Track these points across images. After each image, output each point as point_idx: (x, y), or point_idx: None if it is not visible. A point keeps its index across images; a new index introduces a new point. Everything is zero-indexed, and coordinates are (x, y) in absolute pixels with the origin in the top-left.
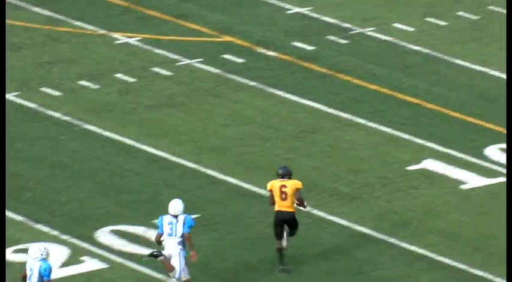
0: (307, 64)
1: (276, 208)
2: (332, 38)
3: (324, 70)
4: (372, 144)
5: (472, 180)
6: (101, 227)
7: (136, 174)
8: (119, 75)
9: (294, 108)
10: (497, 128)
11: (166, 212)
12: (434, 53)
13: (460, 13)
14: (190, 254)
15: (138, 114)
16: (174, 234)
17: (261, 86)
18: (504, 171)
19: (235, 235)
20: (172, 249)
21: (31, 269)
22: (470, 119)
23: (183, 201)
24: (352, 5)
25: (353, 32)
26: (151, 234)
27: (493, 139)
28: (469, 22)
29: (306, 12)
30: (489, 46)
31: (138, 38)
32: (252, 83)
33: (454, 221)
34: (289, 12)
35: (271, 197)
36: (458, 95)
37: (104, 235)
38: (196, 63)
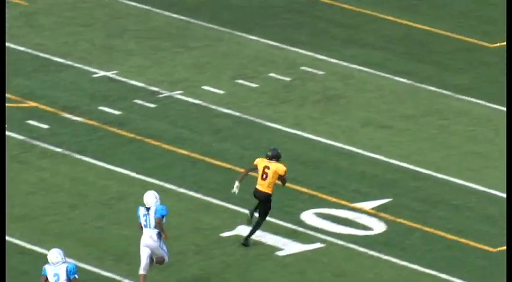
0: (114, 129)
1: (256, 185)
2: (140, 101)
3: (132, 135)
4: (183, 211)
5: (288, 246)
6: None
7: None
8: None
9: (102, 175)
10: (312, 192)
11: None
12: (245, 116)
13: (272, 74)
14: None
15: None
16: (148, 225)
17: (67, 152)
18: (321, 236)
19: None
20: (149, 241)
21: (56, 274)
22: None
23: None
24: (160, 68)
25: (161, 95)
26: None
27: (309, 204)
28: (281, 84)
29: (112, 76)
30: (303, 108)
31: None
32: (58, 150)
33: None
34: (95, 76)
35: (249, 168)
36: None
37: None
38: None
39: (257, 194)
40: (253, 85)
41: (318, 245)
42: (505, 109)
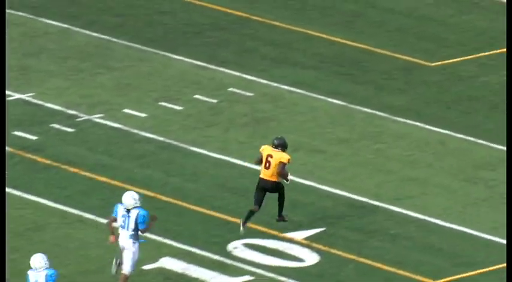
0: (29, 155)
1: (260, 174)
2: (57, 126)
3: (49, 162)
4: (103, 242)
5: (216, 280)
6: None
7: None
8: None
9: (17, 204)
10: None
11: None
12: (169, 141)
13: (197, 96)
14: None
15: None
16: (126, 227)
17: None
18: (250, 268)
19: None
20: (125, 242)
21: (36, 281)
22: (212, 213)
23: None
24: (78, 90)
25: (80, 119)
26: None
27: (237, 234)
28: (207, 106)
29: (27, 99)
30: (229, 132)
31: None
32: None
33: None
34: (10, 98)
35: (260, 158)
36: (197, 186)
37: None
38: None
39: (262, 183)
40: (178, 108)
41: (247, 277)
42: (443, 131)
